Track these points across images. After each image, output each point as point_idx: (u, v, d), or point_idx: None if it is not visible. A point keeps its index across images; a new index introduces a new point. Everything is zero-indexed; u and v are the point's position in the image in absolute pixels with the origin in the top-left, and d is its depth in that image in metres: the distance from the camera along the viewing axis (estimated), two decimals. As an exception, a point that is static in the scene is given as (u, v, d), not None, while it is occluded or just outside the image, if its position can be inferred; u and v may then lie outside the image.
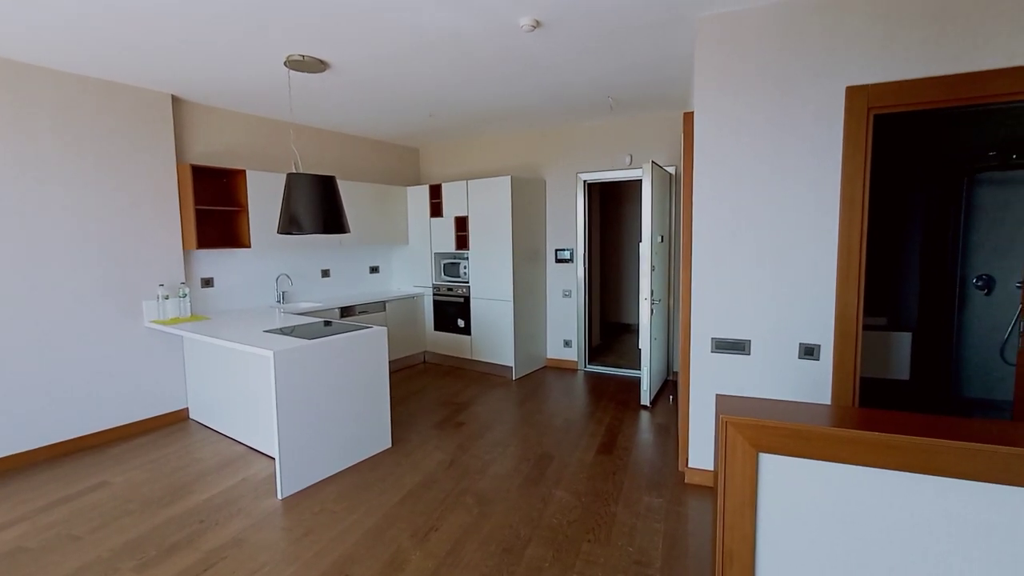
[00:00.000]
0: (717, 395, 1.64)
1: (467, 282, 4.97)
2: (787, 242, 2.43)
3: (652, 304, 3.84)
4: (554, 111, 4.29)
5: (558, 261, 5.06)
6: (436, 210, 5.14)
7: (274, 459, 3.02)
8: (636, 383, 4.57)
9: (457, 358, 5.15)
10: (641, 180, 4.68)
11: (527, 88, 3.61)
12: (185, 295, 3.64)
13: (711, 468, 2.70)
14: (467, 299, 4.95)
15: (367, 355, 3.05)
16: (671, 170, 4.45)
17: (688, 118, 2.65)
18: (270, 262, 4.40)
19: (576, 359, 5.06)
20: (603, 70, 3.25)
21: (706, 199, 2.57)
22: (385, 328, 3.17)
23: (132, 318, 3.48)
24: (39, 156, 3.05)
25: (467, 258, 4.95)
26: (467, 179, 5.32)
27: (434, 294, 5.22)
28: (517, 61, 3.06)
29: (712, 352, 2.63)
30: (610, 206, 7.08)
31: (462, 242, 4.98)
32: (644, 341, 3.87)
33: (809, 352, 2.45)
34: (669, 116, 4.42)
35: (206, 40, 2.67)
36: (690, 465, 2.74)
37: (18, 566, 2.11)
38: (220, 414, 3.50)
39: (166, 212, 3.62)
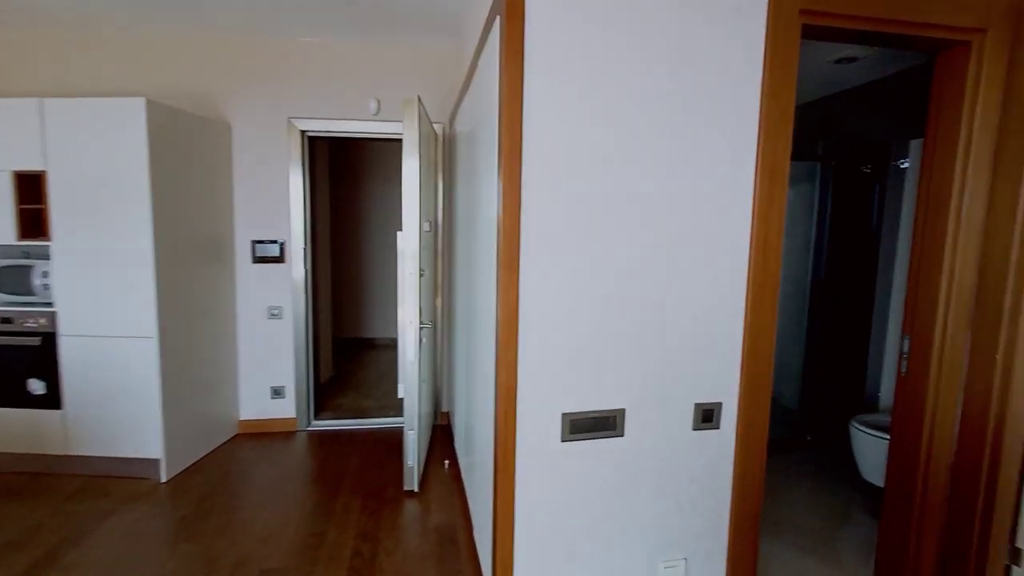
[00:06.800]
0: None
1: (50, 303, 2.51)
2: (677, 232, 1.38)
3: (421, 330, 2.42)
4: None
5: (259, 260, 3.10)
6: (-33, 153, 2.45)
7: None
8: (391, 437, 3.09)
9: (32, 457, 2.59)
10: (395, 138, 3.18)
11: None
12: None
13: (560, 650, 1.48)
14: (51, 337, 2.49)
15: None
16: (438, 128, 3.12)
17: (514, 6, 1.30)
18: None
19: (294, 415, 3.21)
20: None
21: (548, 151, 1.30)
22: None
23: None
24: None
25: (48, 256, 2.49)
26: (54, 96, 2.70)
27: (-28, 327, 2.52)
28: None
29: (564, 441, 1.40)
30: (341, 176, 5.31)
31: (33, 225, 2.49)
32: (409, 389, 2.43)
33: (708, 417, 1.47)
34: (436, 49, 3.05)
35: None
36: (525, 653, 1.46)
37: None
38: None
39: None
